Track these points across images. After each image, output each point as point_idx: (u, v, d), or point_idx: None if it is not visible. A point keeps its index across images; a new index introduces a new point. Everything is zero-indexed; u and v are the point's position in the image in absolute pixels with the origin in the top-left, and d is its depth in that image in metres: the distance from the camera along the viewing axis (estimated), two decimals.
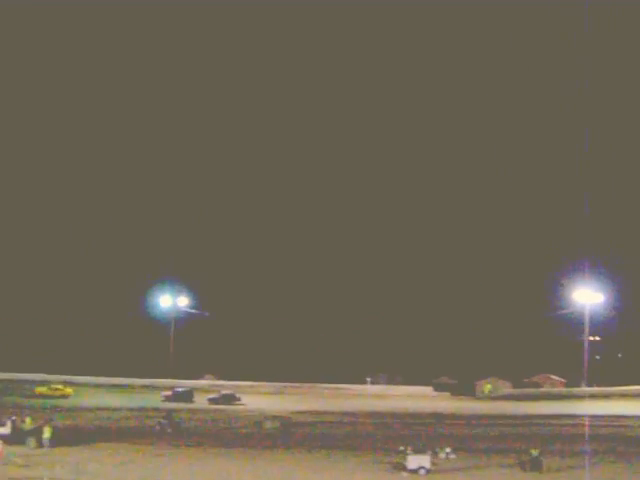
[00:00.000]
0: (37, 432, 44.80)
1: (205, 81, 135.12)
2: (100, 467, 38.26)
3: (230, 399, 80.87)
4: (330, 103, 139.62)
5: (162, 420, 56.61)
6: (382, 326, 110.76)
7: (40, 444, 43.83)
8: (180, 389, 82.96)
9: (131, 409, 72.19)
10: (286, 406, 76.75)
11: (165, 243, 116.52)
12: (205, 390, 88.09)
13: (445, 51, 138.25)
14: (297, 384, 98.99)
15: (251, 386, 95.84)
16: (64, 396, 79.53)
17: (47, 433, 44.47)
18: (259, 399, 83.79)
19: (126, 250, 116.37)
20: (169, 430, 54.62)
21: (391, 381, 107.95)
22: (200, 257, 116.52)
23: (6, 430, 44.62)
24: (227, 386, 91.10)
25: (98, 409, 71.27)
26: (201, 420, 64.12)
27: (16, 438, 44.06)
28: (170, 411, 60.83)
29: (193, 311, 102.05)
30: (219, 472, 38.27)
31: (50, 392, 79.54)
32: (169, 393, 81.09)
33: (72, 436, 47.30)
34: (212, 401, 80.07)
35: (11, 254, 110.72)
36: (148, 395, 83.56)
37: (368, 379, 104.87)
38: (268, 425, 59.01)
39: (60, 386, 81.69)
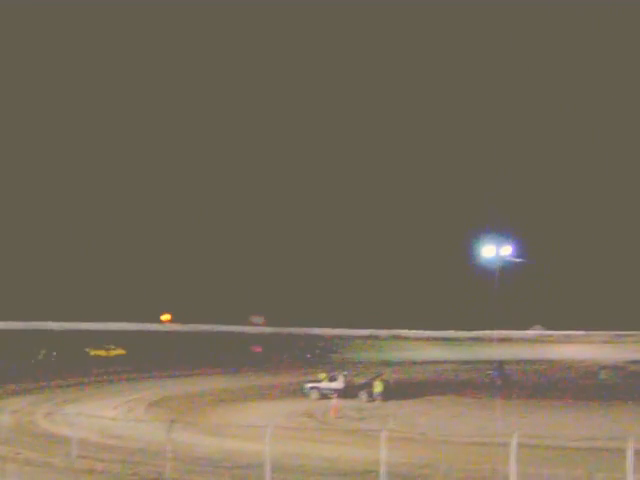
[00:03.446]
0: (368, 386, 46.18)
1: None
2: (431, 420, 38.28)
3: None
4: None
5: (492, 372, 56.01)
6: None
7: (371, 398, 45.16)
8: None
9: (459, 362, 72.51)
10: (622, 356, 72.84)
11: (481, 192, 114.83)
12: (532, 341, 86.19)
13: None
14: (634, 332, 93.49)
15: (583, 335, 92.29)
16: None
17: (378, 387, 45.71)
18: (589, 348, 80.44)
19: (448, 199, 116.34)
20: (499, 382, 53.88)
21: None
22: (522, 203, 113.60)
23: (339, 385, 46.46)
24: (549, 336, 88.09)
25: (426, 362, 72.34)
26: (530, 371, 62.77)
27: (349, 392, 45.73)
28: (500, 362, 60.09)
29: (517, 259, 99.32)
30: (552, 424, 36.62)
31: (105, 353, 78.74)
32: None
33: (402, 390, 48.15)
34: None
35: None
36: (475, 347, 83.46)
37: None
38: (603, 375, 56.27)
39: (112, 346, 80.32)
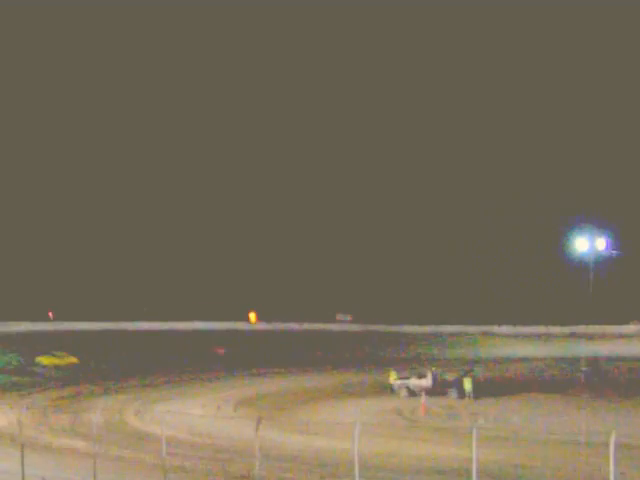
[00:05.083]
0: (458, 383, 45.37)
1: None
2: (523, 418, 37.34)
3: None
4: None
5: (586, 369, 54.48)
6: None
7: (462, 395, 44.39)
8: None
9: (552, 358, 70.84)
10: None
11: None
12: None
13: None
14: None
15: None
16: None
17: (468, 384, 44.90)
18: None
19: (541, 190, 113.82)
20: (594, 380, 52.28)
21: None
22: (618, 193, 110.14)
23: (428, 382, 45.75)
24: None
25: (518, 359, 70.83)
26: (626, 369, 60.78)
27: (438, 389, 45.01)
28: (595, 360, 58.34)
29: (613, 252, 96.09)
30: None
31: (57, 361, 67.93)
32: None
33: (493, 387, 47.19)
34: None
35: None
36: (569, 344, 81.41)
37: None
38: None
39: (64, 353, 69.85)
